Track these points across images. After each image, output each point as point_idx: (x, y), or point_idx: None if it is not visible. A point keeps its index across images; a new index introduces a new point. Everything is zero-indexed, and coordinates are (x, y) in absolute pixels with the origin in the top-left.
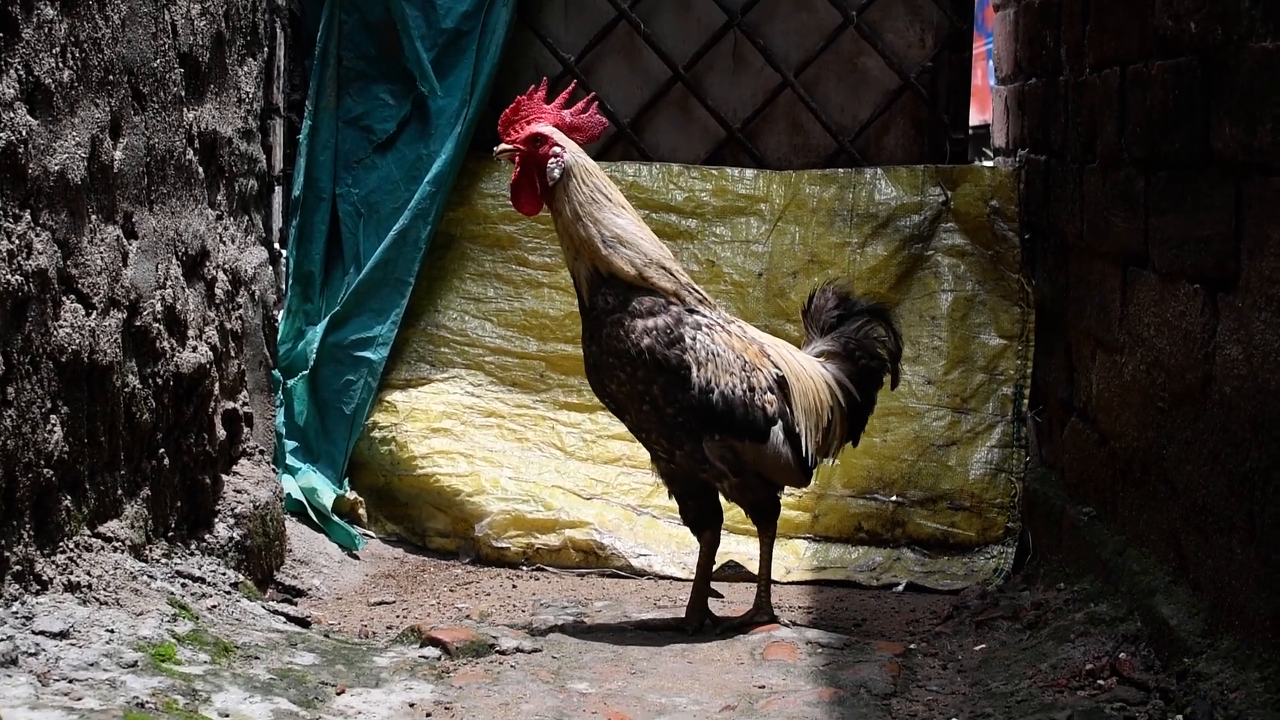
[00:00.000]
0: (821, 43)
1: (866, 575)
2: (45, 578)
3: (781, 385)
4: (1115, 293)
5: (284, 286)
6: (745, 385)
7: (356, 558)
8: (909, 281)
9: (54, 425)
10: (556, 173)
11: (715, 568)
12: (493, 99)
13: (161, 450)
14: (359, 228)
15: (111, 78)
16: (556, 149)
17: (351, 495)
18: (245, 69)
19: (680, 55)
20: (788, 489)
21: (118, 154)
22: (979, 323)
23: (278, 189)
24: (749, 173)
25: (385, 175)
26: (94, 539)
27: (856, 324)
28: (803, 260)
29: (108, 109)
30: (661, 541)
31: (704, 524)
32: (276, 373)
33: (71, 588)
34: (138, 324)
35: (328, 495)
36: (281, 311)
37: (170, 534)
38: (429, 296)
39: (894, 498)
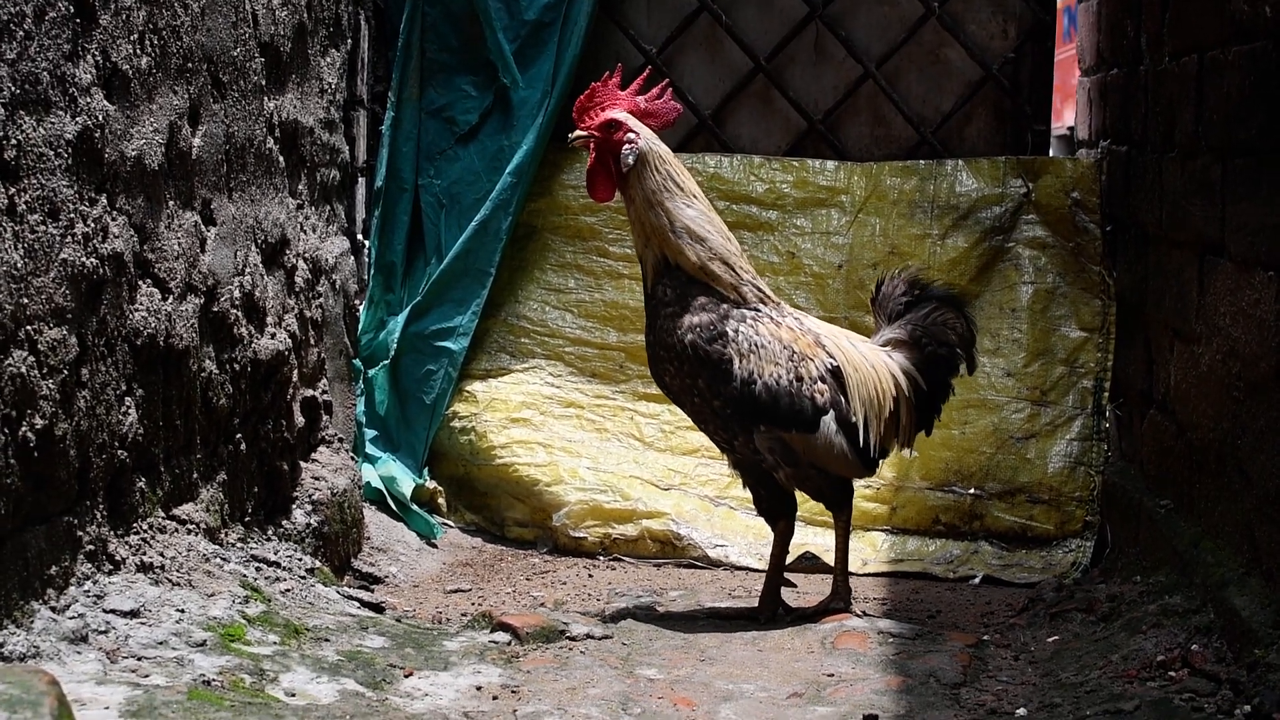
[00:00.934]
0: (903, 34)
1: (943, 568)
2: (118, 558)
3: (836, 375)
4: (1192, 282)
5: (366, 277)
6: (792, 375)
7: (435, 546)
8: (989, 274)
9: (129, 407)
10: (630, 159)
11: (791, 559)
12: (574, 90)
13: (239, 435)
14: (441, 218)
15: (190, 65)
16: (631, 134)
17: (431, 484)
18: (328, 60)
19: (762, 47)
20: (864, 479)
21: (196, 141)
22: (1059, 315)
23: (361, 180)
24: (830, 164)
25: (467, 166)
26: (168, 521)
27: (925, 310)
28: (883, 252)
29: (186, 96)
30: (738, 532)
31: (777, 513)
32: (357, 362)
33: (144, 568)
34: (215, 310)
35: (407, 484)
36: (363, 301)
37: (247, 519)
38: (510, 287)
39: (972, 490)
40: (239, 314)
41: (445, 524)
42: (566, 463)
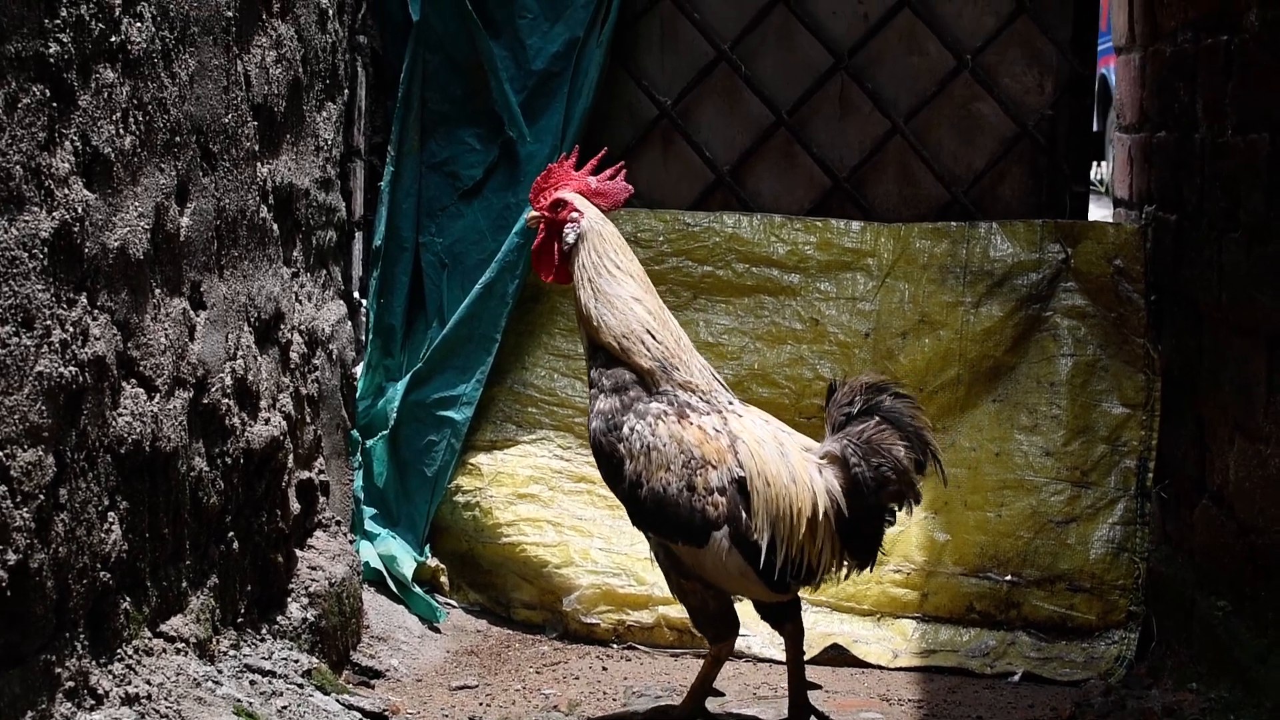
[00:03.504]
0: (934, 87)
1: (979, 662)
2: (101, 691)
3: (741, 487)
4: (1260, 376)
5: (364, 338)
6: (684, 484)
7: (438, 630)
8: (1026, 344)
9: (111, 524)
10: (571, 238)
11: (815, 652)
12: (585, 143)
13: (230, 534)
14: (443, 279)
15: (178, 139)
16: (575, 214)
17: (433, 562)
18: (324, 114)
19: (784, 99)
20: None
21: (184, 220)
22: (1101, 390)
23: (358, 235)
24: (855, 225)
25: (471, 224)
26: (155, 640)
27: (864, 424)
28: (912, 320)
29: (174, 173)
30: (760, 620)
31: (781, 617)
32: (355, 433)
33: (129, 700)
34: (205, 402)
35: (408, 563)
36: (361, 366)
37: (239, 620)
38: (516, 353)
39: (1009, 577)
40: (230, 403)
41: (448, 604)
42: (577, 543)
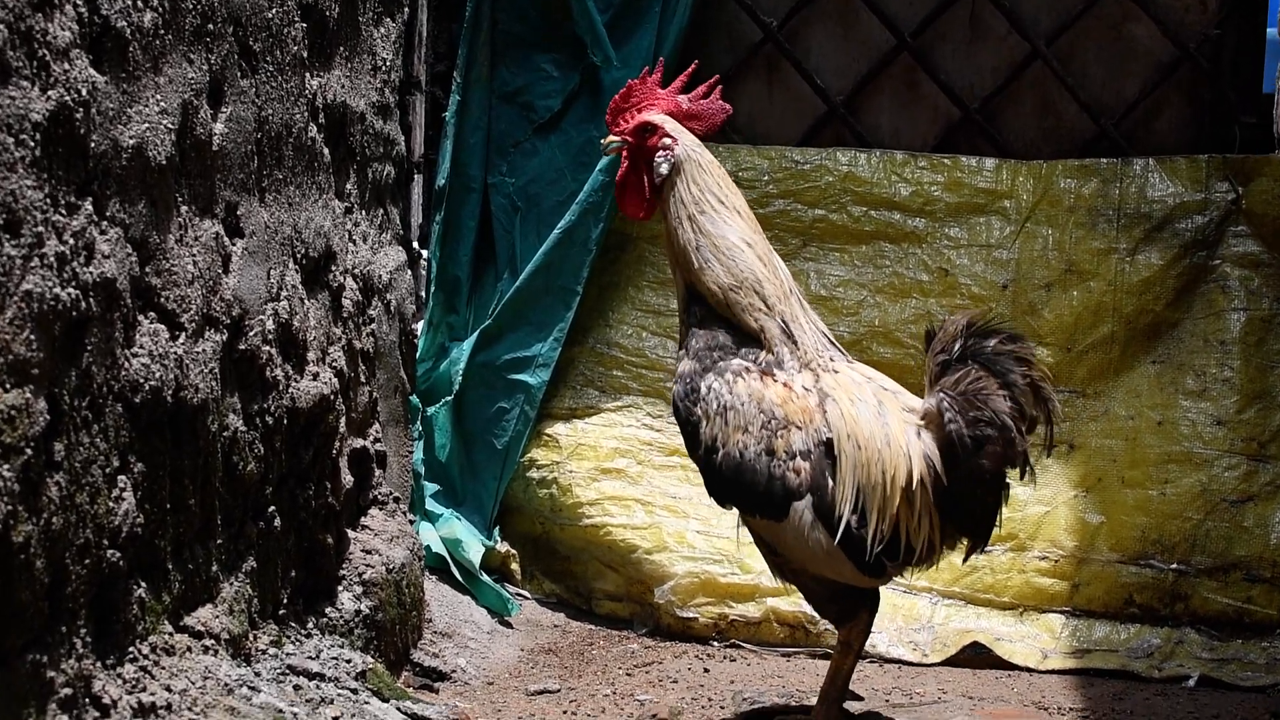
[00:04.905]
0: (1080, 5)
1: (1145, 664)
2: (107, 700)
3: (829, 451)
4: None
5: (424, 294)
6: (762, 447)
7: (509, 625)
8: (1190, 297)
9: (122, 490)
10: (664, 168)
11: (953, 651)
12: (680, 71)
13: (271, 508)
14: (515, 224)
15: (211, 28)
16: (667, 139)
17: (503, 547)
18: (381, 30)
19: (907, 20)
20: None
21: (218, 127)
22: (1279, 349)
23: (418, 177)
24: (989, 162)
25: (548, 161)
26: (177, 636)
27: (958, 375)
28: (1058, 270)
29: (205, 68)
30: (887, 615)
31: (856, 608)
32: (415, 399)
33: (143, 711)
34: (242, 347)
35: (475, 548)
36: (421, 324)
37: (281, 611)
38: (599, 308)
39: (1174, 565)
40: (272, 351)
41: (521, 595)
42: (671, 525)
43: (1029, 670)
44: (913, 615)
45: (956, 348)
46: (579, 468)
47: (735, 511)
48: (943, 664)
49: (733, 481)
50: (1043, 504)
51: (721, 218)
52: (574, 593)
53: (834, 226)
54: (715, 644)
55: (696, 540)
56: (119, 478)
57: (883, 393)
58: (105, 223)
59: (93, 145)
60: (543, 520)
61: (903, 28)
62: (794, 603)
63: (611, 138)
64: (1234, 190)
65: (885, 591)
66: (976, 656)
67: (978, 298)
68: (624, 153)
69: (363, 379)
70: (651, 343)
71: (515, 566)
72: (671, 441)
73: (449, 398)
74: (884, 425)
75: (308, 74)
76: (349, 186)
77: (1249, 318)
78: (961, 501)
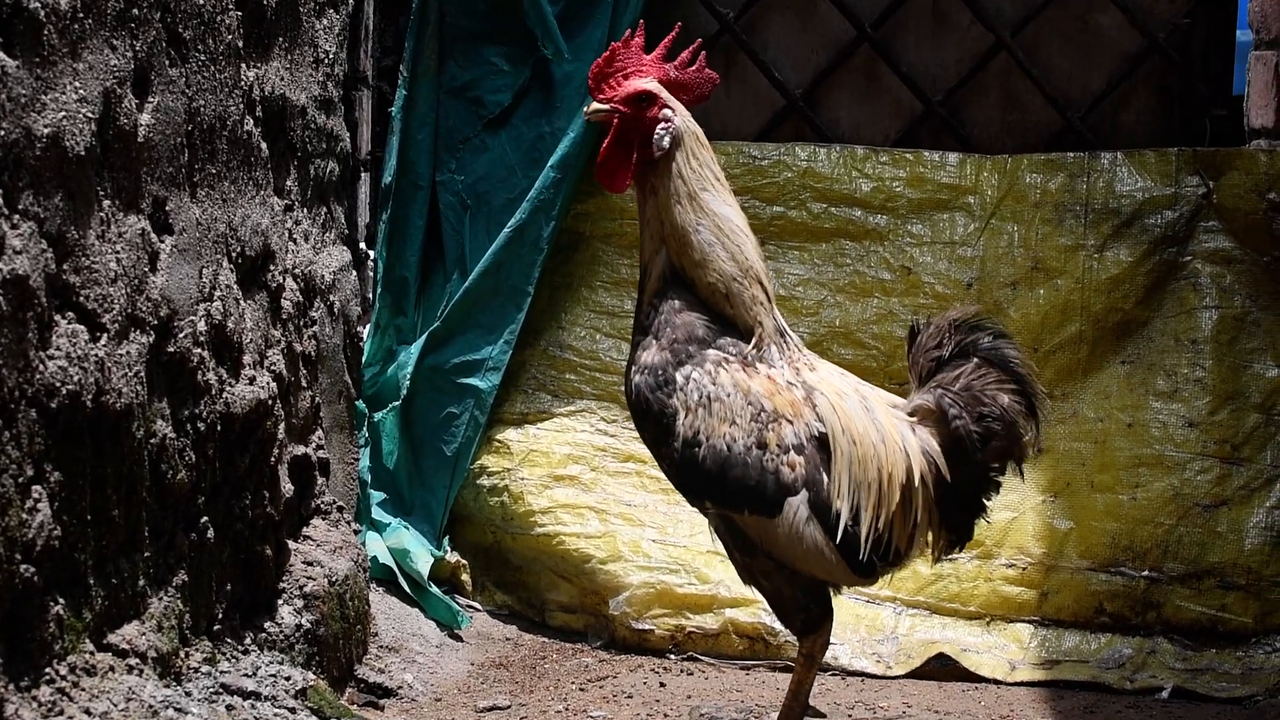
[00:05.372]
0: None
1: (1116, 675)
2: None
3: (824, 445)
4: None
5: (371, 295)
6: (752, 440)
7: (459, 638)
8: (1160, 295)
9: (37, 501)
10: (665, 142)
11: (918, 663)
12: None
13: (204, 519)
14: (465, 223)
15: (137, 13)
16: (666, 111)
17: (453, 558)
18: (324, 22)
19: (867, 11)
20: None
21: (144, 117)
22: (1252, 348)
23: (365, 175)
24: (953, 157)
25: (498, 158)
26: (100, 655)
27: (960, 369)
28: (1024, 267)
29: (130, 55)
30: (849, 625)
31: (822, 618)
32: (361, 404)
33: None
34: (171, 350)
35: (423, 559)
36: (368, 327)
37: (216, 627)
38: (551, 310)
39: (1146, 572)
40: (204, 354)
41: (471, 607)
42: (626, 533)
43: (996, 682)
44: (876, 626)
45: (948, 343)
46: (531, 475)
47: (702, 521)
48: (907, 676)
49: (717, 477)
50: (1010, 509)
51: (722, 198)
52: (526, 604)
53: (793, 224)
54: (672, 657)
55: (652, 549)
56: (33, 488)
57: (862, 388)
58: (17, 216)
59: (2, 133)
60: (494, 529)
61: (863, 18)
62: (753, 614)
63: (596, 105)
64: (1205, 184)
65: (847, 601)
66: (942, 668)
67: (941, 296)
68: (614, 122)
69: (304, 383)
70: (605, 345)
71: (466, 577)
72: (627, 447)
73: (396, 403)
74: (875, 421)
75: (243, 65)
76: (289, 183)
77: (1221, 316)
78: (961, 499)
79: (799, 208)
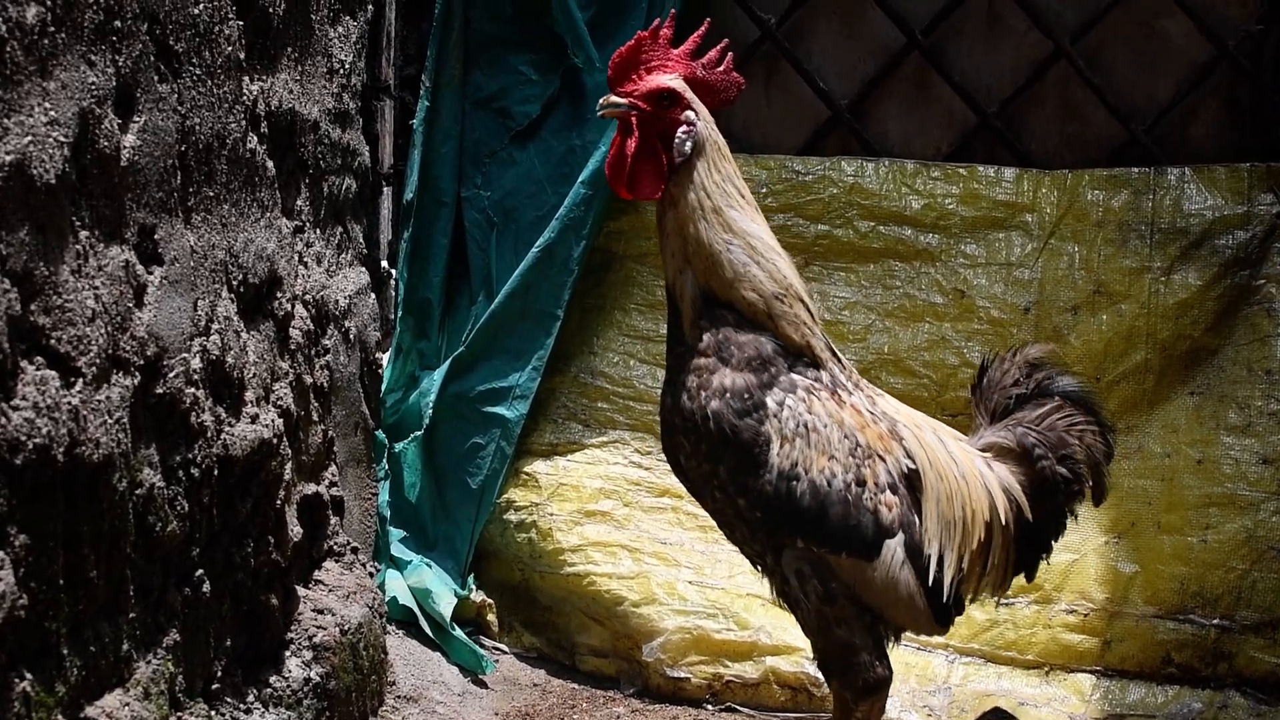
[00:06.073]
0: None
1: None
2: None
3: (911, 483)
4: None
5: (393, 316)
6: (851, 477)
7: (484, 685)
8: (1232, 321)
9: None
10: (687, 147)
11: (972, 718)
12: None
13: (199, 571)
14: (491, 242)
15: (120, 25)
16: (689, 114)
17: (478, 597)
18: (339, 30)
19: (917, 16)
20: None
21: (129, 139)
22: None
23: (387, 190)
24: (1009, 172)
25: (526, 173)
26: None
27: (1044, 409)
28: (1085, 291)
29: (112, 71)
30: (898, 675)
31: (861, 682)
32: (380, 434)
33: None
34: (160, 391)
35: (446, 599)
36: (389, 351)
37: (215, 686)
38: (582, 334)
39: (1217, 620)
40: (199, 394)
41: (497, 649)
42: (661, 574)
43: None
44: (927, 675)
45: (1031, 381)
46: (560, 510)
47: (734, 557)
48: None
49: (816, 514)
50: (1070, 551)
51: (748, 214)
52: (556, 646)
53: (839, 243)
54: (709, 707)
55: (688, 591)
56: None
57: (927, 421)
58: None
59: None
60: (522, 566)
61: (913, 24)
62: (795, 662)
63: (614, 99)
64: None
65: (896, 647)
66: None
67: (997, 322)
68: (633, 120)
69: (315, 417)
70: (640, 371)
71: (492, 617)
72: (662, 481)
73: (419, 432)
74: (953, 456)
75: (246, 78)
76: (299, 203)
77: None
78: (1034, 539)
79: (845, 226)
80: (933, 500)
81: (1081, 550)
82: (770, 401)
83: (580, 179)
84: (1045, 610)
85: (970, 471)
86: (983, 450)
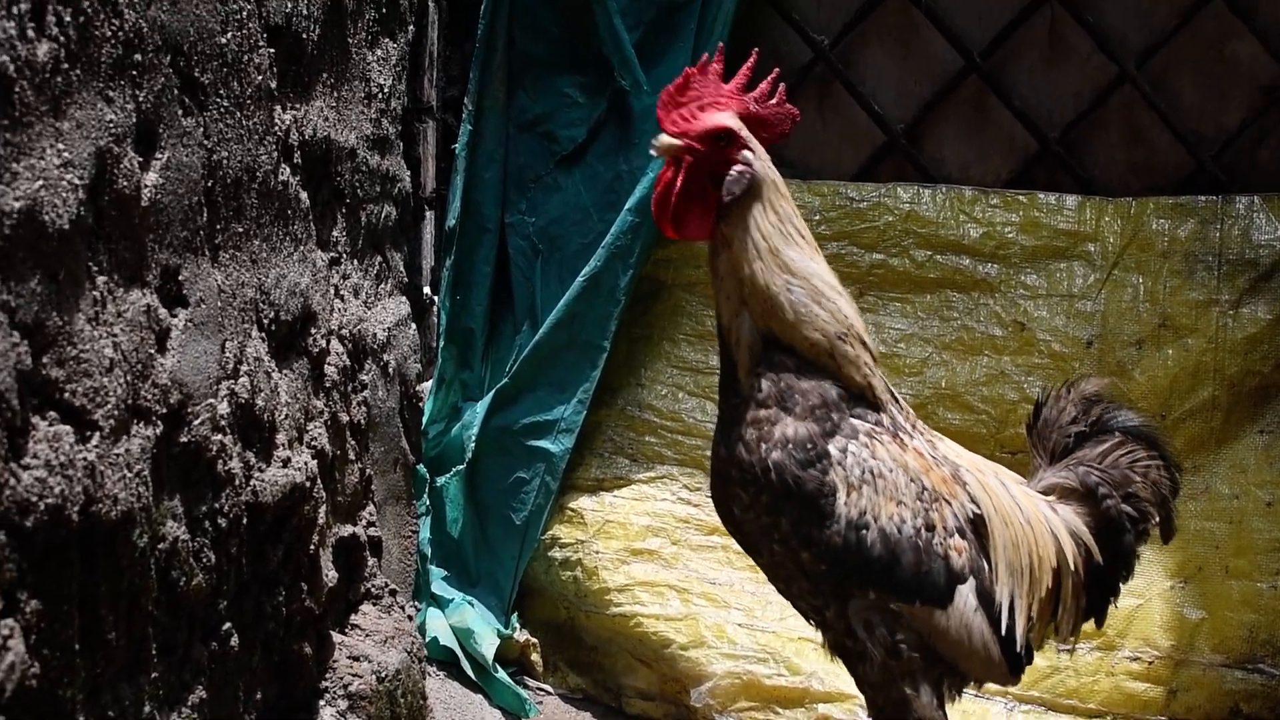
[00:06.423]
0: (1174, 20)
1: None
2: None
3: (977, 527)
4: None
5: (435, 344)
6: (921, 521)
7: None
8: None
9: (7, 639)
10: (739, 188)
11: None
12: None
13: (226, 625)
14: (536, 270)
15: (140, 58)
16: (746, 153)
17: (522, 636)
18: (378, 52)
19: (976, 38)
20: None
21: (150, 177)
22: None
23: (429, 214)
24: (1070, 200)
25: (572, 199)
26: None
27: (1105, 446)
28: (1150, 324)
29: (133, 107)
30: None
31: None
32: (421, 469)
33: None
34: (184, 440)
35: (489, 640)
36: (430, 381)
37: None
38: (629, 365)
39: None
40: (227, 439)
41: (542, 689)
42: (710, 616)
43: None
44: None
45: (1089, 418)
46: (606, 548)
47: (788, 607)
48: None
49: (888, 563)
50: (1134, 596)
51: (807, 253)
52: (601, 687)
53: (894, 273)
54: None
55: (738, 635)
56: (1, 623)
57: (984, 464)
58: None
59: None
60: (567, 605)
61: (971, 46)
62: (849, 710)
63: (666, 139)
64: None
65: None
66: None
67: (1059, 356)
68: (686, 160)
69: (352, 455)
70: (689, 405)
71: (536, 657)
72: (711, 519)
73: (461, 466)
74: (1015, 500)
75: (278, 107)
76: (335, 234)
77: None
78: (1104, 583)
79: (901, 255)
80: (1000, 546)
81: (1146, 595)
82: (834, 449)
83: (627, 206)
84: (1108, 657)
85: (1035, 516)
86: (1044, 493)
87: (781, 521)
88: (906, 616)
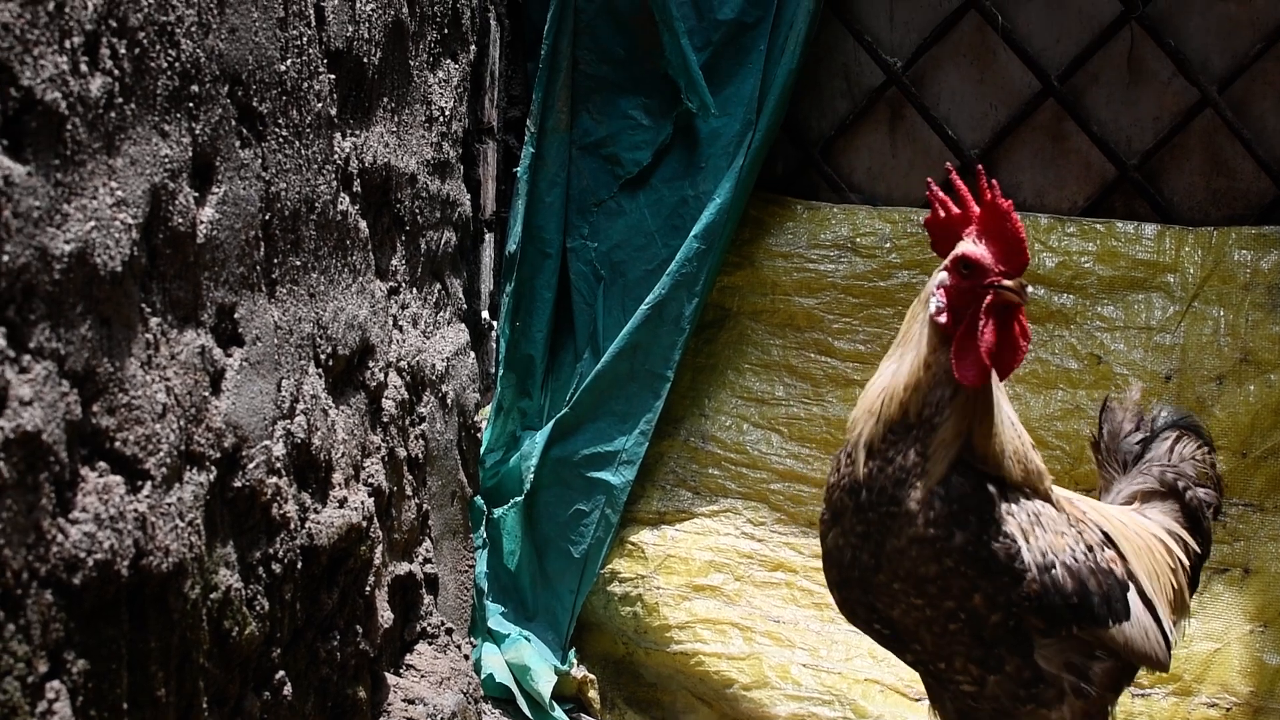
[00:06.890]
0: (1258, 44)
1: None
2: None
3: (1109, 542)
4: None
5: (494, 370)
6: (1081, 545)
7: None
8: None
9: (53, 702)
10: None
11: None
12: (788, 119)
13: (280, 673)
14: (598, 296)
15: (197, 89)
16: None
17: (579, 672)
18: (440, 75)
19: (1053, 61)
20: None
21: (206, 213)
22: None
23: (489, 237)
24: (1149, 229)
25: (636, 223)
26: None
27: (1166, 445)
28: (1231, 359)
29: (189, 141)
30: None
31: None
32: (479, 500)
33: None
34: (238, 485)
35: (545, 677)
36: (489, 409)
37: None
38: (694, 396)
39: None
40: (282, 482)
41: None
42: (774, 656)
43: None
44: None
45: (1147, 423)
46: (668, 583)
47: (852, 638)
48: None
49: (1079, 593)
50: (1212, 640)
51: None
52: None
53: None
54: None
55: (802, 675)
56: (48, 685)
57: (1069, 493)
58: (27, 357)
59: (6, 259)
60: (626, 641)
61: (1049, 69)
62: None
63: (1009, 282)
64: None
65: None
66: None
67: None
68: (988, 299)
69: (409, 491)
70: (754, 436)
71: (594, 694)
72: (775, 554)
73: (519, 498)
74: (1117, 517)
75: (337, 135)
76: (395, 262)
77: None
78: (1196, 568)
79: None
80: (1130, 551)
81: (1224, 639)
82: (995, 518)
83: (694, 232)
84: (1184, 703)
85: (1138, 525)
86: (1126, 502)
87: (973, 601)
88: (1107, 640)
